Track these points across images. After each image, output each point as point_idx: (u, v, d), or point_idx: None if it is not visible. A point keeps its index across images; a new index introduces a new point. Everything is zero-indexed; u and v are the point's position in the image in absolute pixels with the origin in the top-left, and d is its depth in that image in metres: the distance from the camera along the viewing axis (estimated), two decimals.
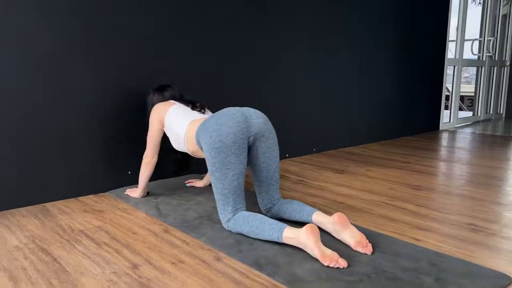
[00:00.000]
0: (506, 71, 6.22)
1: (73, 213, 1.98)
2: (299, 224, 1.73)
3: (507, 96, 6.33)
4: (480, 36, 5.75)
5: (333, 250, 1.48)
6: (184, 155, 2.30)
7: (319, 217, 1.68)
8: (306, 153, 3.41)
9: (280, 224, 1.56)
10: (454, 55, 5.10)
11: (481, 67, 5.75)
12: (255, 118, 1.74)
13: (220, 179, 1.67)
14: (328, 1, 3.35)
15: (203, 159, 2.22)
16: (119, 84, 2.30)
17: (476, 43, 5.67)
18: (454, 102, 5.20)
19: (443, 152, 3.57)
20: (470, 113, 6.23)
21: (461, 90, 5.40)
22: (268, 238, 1.56)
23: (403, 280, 1.32)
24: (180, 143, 1.98)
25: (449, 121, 5.20)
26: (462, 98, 7.05)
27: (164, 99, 2.17)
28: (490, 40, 5.68)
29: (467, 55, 5.38)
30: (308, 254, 1.47)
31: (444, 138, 4.35)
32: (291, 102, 3.23)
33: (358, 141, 3.87)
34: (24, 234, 1.73)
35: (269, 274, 1.36)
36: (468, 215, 1.97)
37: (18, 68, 1.98)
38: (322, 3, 3.30)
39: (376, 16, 3.80)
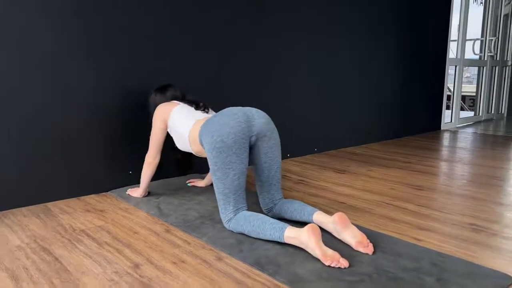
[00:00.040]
0: (507, 71, 6.21)
1: (74, 213, 1.98)
2: (300, 224, 1.73)
3: (509, 96, 6.32)
4: (482, 36, 5.74)
5: (334, 250, 1.48)
6: (184, 155, 2.30)
7: (320, 217, 1.68)
8: (307, 153, 3.41)
9: (281, 224, 1.55)
10: (455, 55, 5.10)
11: (483, 67, 5.74)
12: (257, 118, 1.74)
13: (221, 178, 1.67)
14: (328, 1, 3.35)
15: (205, 159, 2.22)
16: (119, 84, 2.30)
17: (478, 43, 5.66)
18: (456, 102, 5.20)
19: (445, 152, 3.56)
20: (471, 113, 6.22)
21: (463, 90, 5.39)
22: (270, 238, 1.56)
23: (404, 280, 1.32)
24: (184, 143, 1.98)
25: (451, 121, 5.19)
26: (463, 98, 7.05)
27: (166, 99, 2.17)
28: (492, 40, 5.67)
29: (469, 55, 5.37)
30: (310, 254, 1.47)
31: (446, 138, 4.34)
32: (291, 102, 3.22)
33: (359, 141, 3.87)
34: (26, 233, 1.74)
35: (271, 274, 1.36)
36: (469, 215, 1.97)
37: (18, 68, 1.98)
38: (322, 3, 3.30)
39: (376, 16, 3.80)
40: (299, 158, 3.27)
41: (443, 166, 3.02)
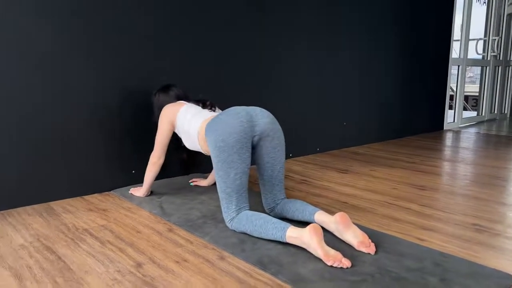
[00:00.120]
0: (510, 70, 6.19)
1: (77, 212, 1.99)
2: (302, 223, 1.73)
3: None
4: (485, 36, 5.72)
5: (336, 250, 1.48)
6: (190, 154, 2.31)
7: (321, 217, 1.68)
8: (309, 152, 3.41)
9: (283, 223, 1.55)
10: (458, 54, 5.08)
11: (486, 67, 5.73)
12: (261, 118, 1.74)
13: (223, 177, 1.67)
14: (328, 1, 3.34)
15: (208, 158, 2.22)
16: (119, 84, 2.31)
17: (481, 43, 5.65)
18: (459, 102, 5.18)
19: (447, 152, 3.55)
20: (474, 113, 6.20)
21: (466, 90, 5.38)
22: (272, 238, 1.56)
23: (407, 280, 1.31)
24: (193, 142, 1.98)
25: (453, 121, 5.18)
26: (466, 98, 7.02)
27: (170, 98, 2.18)
28: (495, 39, 5.65)
29: (472, 54, 5.36)
30: (312, 254, 1.47)
31: (448, 138, 4.33)
32: (291, 102, 3.22)
33: (361, 141, 3.86)
34: (29, 232, 1.74)
35: (273, 274, 1.36)
36: (472, 215, 1.96)
37: (18, 68, 1.98)
38: (322, 3, 3.30)
39: (376, 16, 3.79)
40: (301, 158, 3.27)
41: (446, 166, 3.01)
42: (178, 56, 2.53)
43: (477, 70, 6.52)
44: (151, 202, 2.10)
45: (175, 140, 2.20)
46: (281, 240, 1.54)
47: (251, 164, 1.75)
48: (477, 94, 6.09)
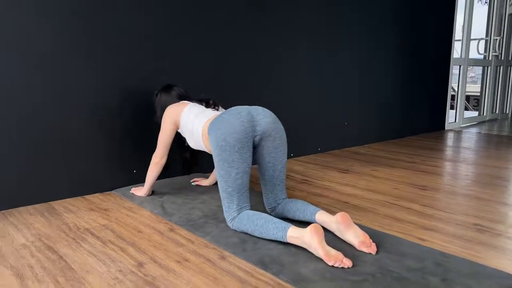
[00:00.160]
0: None
1: (79, 212, 1.99)
2: (303, 223, 1.72)
3: None
4: (486, 36, 5.71)
5: (338, 249, 1.47)
6: (192, 153, 2.31)
7: (322, 217, 1.67)
8: (310, 152, 3.41)
9: (284, 223, 1.55)
10: (459, 54, 5.07)
11: (487, 67, 5.72)
12: (263, 118, 1.73)
13: (224, 177, 1.68)
14: (328, 1, 3.34)
15: (210, 158, 2.22)
16: (119, 84, 2.31)
17: (482, 43, 5.64)
18: (460, 101, 5.17)
19: (449, 152, 3.55)
20: (475, 113, 6.19)
21: (467, 89, 5.37)
22: (273, 238, 1.56)
23: (408, 280, 1.31)
24: (197, 141, 1.98)
25: (455, 121, 5.17)
26: (467, 98, 7.01)
27: (172, 98, 2.18)
28: (496, 39, 5.64)
29: (473, 54, 5.35)
30: (313, 254, 1.46)
31: (450, 138, 4.32)
32: (292, 102, 3.22)
33: (362, 141, 3.86)
34: (31, 232, 1.74)
35: (274, 273, 1.36)
36: (473, 215, 1.96)
37: (18, 68, 1.98)
38: (322, 3, 3.29)
39: (376, 16, 3.79)
40: (302, 158, 3.27)
41: (447, 166, 3.00)
42: (178, 56, 2.53)
43: (478, 70, 6.51)
44: (153, 202, 2.10)
45: (178, 139, 2.20)
46: (282, 240, 1.53)
47: (253, 164, 1.75)
48: (479, 94, 6.08)
